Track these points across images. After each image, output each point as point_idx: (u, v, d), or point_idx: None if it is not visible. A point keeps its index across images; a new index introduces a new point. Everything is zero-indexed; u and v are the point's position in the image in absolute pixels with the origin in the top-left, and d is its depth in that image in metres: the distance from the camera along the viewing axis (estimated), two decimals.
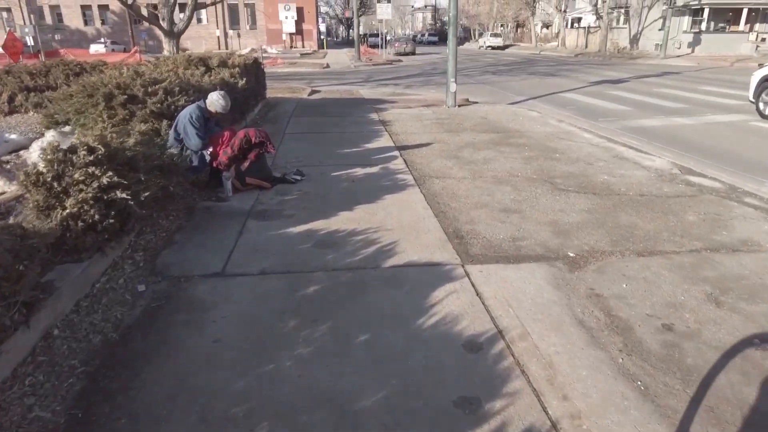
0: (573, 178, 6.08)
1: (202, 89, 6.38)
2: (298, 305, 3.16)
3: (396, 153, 7.20)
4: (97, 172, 3.28)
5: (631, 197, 5.37)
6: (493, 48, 51.72)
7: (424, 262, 3.74)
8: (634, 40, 40.92)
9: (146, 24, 18.60)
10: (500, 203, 5.09)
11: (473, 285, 3.39)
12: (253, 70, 10.14)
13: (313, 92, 15.80)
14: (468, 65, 28.40)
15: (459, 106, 12.10)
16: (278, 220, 4.58)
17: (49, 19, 51.87)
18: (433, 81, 20.26)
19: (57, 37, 50.05)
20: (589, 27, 47.11)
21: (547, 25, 62.57)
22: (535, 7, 55.06)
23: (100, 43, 42.58)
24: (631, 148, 7.84)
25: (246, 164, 5.17)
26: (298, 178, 5.66)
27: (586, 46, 46.50)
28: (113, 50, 39.44)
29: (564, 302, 3.22)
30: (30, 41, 31.58)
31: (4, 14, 51.28)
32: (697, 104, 12.89)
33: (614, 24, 43.16)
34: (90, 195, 3.24)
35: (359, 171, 6.22)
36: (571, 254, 3.92)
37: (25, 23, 50.54)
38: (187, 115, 5.09)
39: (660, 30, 36.26)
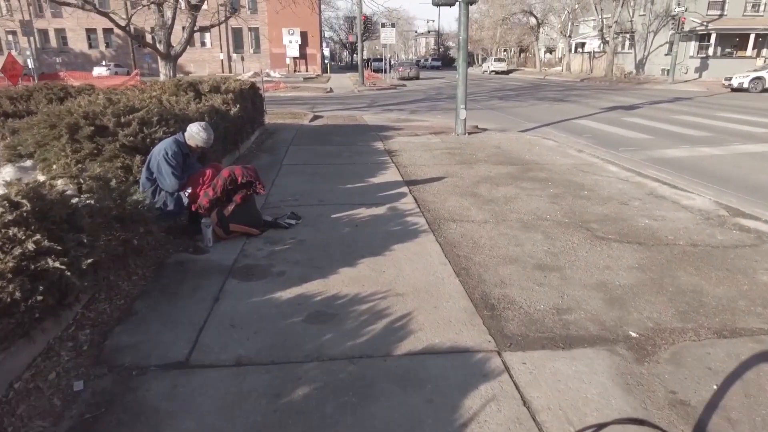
0: (610, 222, 5.26)
1: (186, 119, 5.64)
2: (283, 420, 2.32)
3: (405, 189, 6.41)
4: (20, 234, 2.49)
5: (684, 248, 4.54)
6: (497, 72, 51.53)
7: (448, 347, 2.90)
8: (640, 65, 40.60)
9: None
10: (533, 257, 4.28)
11: (517, 387, 2.55)
12: (250, 95, 9.46)
13: (315, 118, 15.15)
14: (474, 90, 27.87)
15: (469, 133, 11.39)
16: (265, 280, 3.76)
17: (54, 42, 52.04)
18: (439, 106, 19.65)
19: (58, 60, 50.13)
20: (593, 52, 46.93)
21: (550, 50, 62.61)
22: (539, 32, 55.06)
23: (104, 66, 42.45)
24: (664, 183, 7.05)
25: (230, 208, 4.38)
26: (293, 222, 4.86)
27: (591, 71, 46.22)
28: (116, 73, 39.31)
29: (641, 413, 2.38)
30: (31, 64, 31.36)
31: (10, 37, 51.50)
32: (721, 132, 12.14)
33: (619, 49, 42.92)
34: (10, 266, 2.43)
35: (363, 212, 5.42)
36: (634, 334, 3.08)
37: (29, 46, 50.78)
38: (161, 150, 4.33)
39: (666, 55, 35.91)
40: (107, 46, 51.42)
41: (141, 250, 3.80)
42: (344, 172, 7.37)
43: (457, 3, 10.73)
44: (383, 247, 4.40)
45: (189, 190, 4.44)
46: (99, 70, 40.78)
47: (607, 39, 41.25)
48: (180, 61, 51.14)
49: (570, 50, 50.36)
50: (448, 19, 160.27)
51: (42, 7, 50.01)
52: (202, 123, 4.56)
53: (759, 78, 24.99)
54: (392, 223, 5.06)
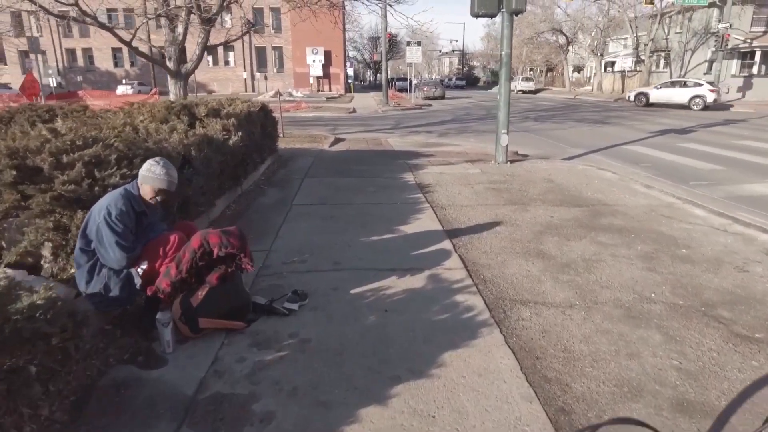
0: (741, 304, 3.69)
1: (163, 153, 4.28)
2: None
3: (447, 244, 4.91)
4: None
5: None
6: (525, 92, 49.98)
7: None
8: None
9: None
10: (662, 381, 2.73)
11: None
12: (259, 119, 8.13)
13: (337, 141, 13.83)
14: None
15: (511, 162, 9.89)
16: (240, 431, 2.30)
17: (81, 61, 52.45)
18: (470, 128, 18.20)
19: (79, 78, 50.39)
20: (626, 71, 45.12)
21: (578, 69, 60.88)
22: (568, 50, 53.49)
23: (127, 84, 42.41)
24: None
25: (201, 294, 2.95)
26: (295, 307, 3.40)
27: (623, 91, 44.38)
28: (140, 91, 39.04)
29: None
30: (53, 82, 31.07)
31: (40, 56, 52.07)
32: None
33: (654, 68, 41.10)
34: None
35: (395, 284, 3.94)
36: None
37: (57, 65, 51.25)
38: (102, 209, 2.94)
39: (706, 74, 33.98)
40: (132, 64, 51.61)
41: (52, 374, 2.39)
42: (368, 215, 5.92)
43: (500, 13, 9.34)
44: (428, 357, 2.91)
45: (144, 266, 3.03)
46: (123, 89, 40.71)
47: (642, 57, 39.50)
48: (203, 79, 51.26)
49: (601, 69, 48.60)
50: (473, 38, 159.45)
51: (70, 26, 50.50)
52: (156, 158, 3.18)
53: None
54: (437, 306, 3.56)
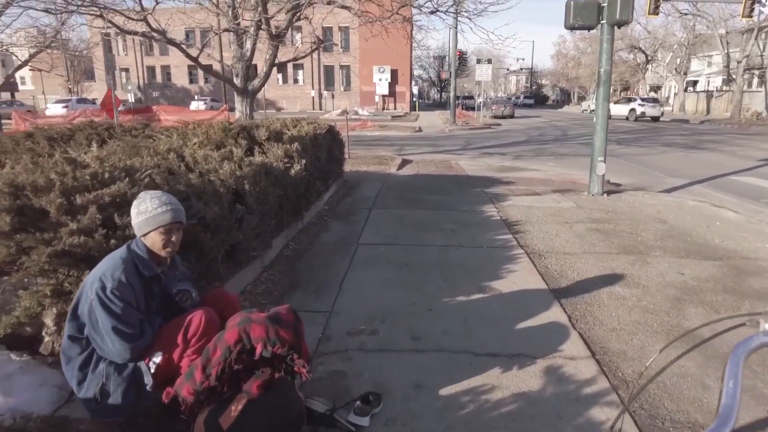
0: None
1: (208, 190, 3.47)
2: None
3: (559, 314, 3.77)
4: None
5: None
6: None
7: None
8: None
9: None
10: None
11: None
12: (326, 142, 7.34)
13: (404, 164, 12.93)
14: (581, 132, 24.75)
15: (607, 193, 8.58)
16: None
17: (159, 78, 55.04)
18: (546, 150, 16.82)
19: (155, 94, 52.71)
20: (709, 90, 41.81)
21: (656, 89, 57.38)
22: (646, 69, 50.48)
23: (200, 100, 43.91)
24: None
25: (235, 410, 2.03)
26: (365, 422, 2.39)
27: (708, 112, 41.04)
28: (212, 107, 40.21)
29: None
30: (131, 98, 32.35)
31: (124, 73, 55.12)
32: None
33: (745, 87, 37.70)
34: None
35: (499, 386, 2.82)
36: None
37: (138, 81, 54.01)
38: (95, 281, 2.10)
39: None
40: (206, 81, 53.51)
41: None
42: (449, 263, 4.87)
43: (600, 25, 8.14)
44: None
45: (157, 358, 2.16)
46: (196, 105, 42.20)
47: (734, 76, 36.32)
48: (273, 96, 52.42)
49: (682, 88, 45.32)
50: (541, 56, 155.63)
51: (151, 45, 53.10)
52: (140, 194, 2.32)
53: None
54: (567, 431, 2.46)
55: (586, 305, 3.96)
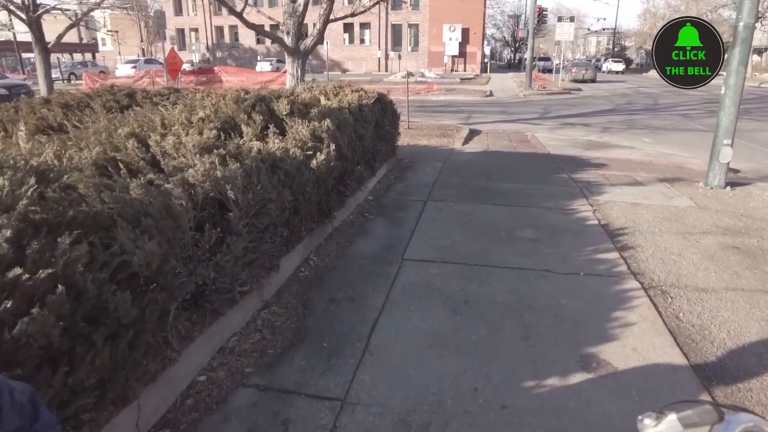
0: None
1: (151, 210, 2.17)
2: None
3: None
4: None
5: None
6: None
7: None
8: None
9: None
10: None
11: None
12: (374, 115, 5.87)
13: (471, 135, 11.26)
14: (675, 101, 21.71)
15: (731, 186, 6.64)
16: None
17: (227, 38, 54.93)
18: (638, 122, 14.43)
19: (219, 54, 52.63)
20: None
21: (760, 52, 50.70)
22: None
23: (266, 61, 43.28)
24: None
25: None
26: None
27: None
28: (278, 69, 39.51)
29: None
30: (195, 58, 31.89)
31: (194, 34, 55.47)
32: None
33: None
34: None
35: None
36: None
37: (207, 42, 54.28)
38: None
39: None
40: (273, 42, 52.83)
41: None
42: (530, 307, 3.34)
43: None
44: None
45: None
46: (262, 66, 41.60)
47: None
48: (338, 57, 51.20)
49: None
50: (626, 15, 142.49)
51: (220, 6, 52.91)
52: None
53: None
54: None
55: (753, 402, 2.39)
